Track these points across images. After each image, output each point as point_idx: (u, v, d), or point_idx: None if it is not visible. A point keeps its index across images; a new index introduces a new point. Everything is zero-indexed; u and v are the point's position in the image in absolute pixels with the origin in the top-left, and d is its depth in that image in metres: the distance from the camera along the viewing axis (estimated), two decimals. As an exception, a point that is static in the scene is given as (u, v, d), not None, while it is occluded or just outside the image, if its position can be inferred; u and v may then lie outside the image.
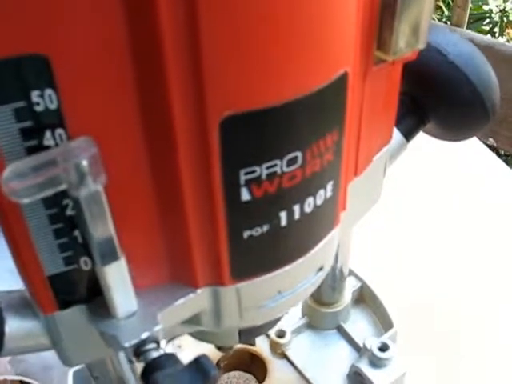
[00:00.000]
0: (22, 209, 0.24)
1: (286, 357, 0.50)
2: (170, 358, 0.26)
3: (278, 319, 0.39)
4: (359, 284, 0.53)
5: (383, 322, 0.50)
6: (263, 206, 0.27)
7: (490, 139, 1.10)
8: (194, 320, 0.32)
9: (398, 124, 0.41)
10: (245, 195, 0.26)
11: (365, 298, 0.53)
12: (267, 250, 0.29)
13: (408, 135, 0.43)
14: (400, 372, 0.46)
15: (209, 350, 0.48)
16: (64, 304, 0.29)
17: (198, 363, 0.26)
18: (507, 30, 1.82)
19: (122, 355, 0.36)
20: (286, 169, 0.26)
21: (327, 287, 0.48)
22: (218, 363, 0.51)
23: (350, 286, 0.51)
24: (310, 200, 0.29)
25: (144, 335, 0.27)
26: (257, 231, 0.28)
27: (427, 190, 0.68)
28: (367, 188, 0.37)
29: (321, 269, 0.34)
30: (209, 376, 0.26)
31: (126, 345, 0.27)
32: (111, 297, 0.27)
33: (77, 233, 0.26)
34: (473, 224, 0.64)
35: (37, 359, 0.61)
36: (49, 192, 0.23)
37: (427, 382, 0.49)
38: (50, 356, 0.58)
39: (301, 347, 0.50)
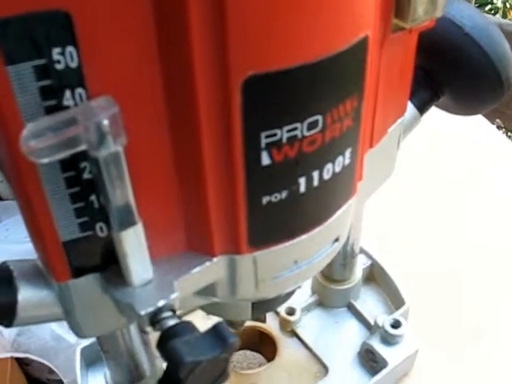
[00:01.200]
0: (39, 171, 0.24)
1: (295, 335, 0.50)
2: (187, 326, 0.26)
3: (291, 294, 0.39)
4: (369, 262, 0.53)
5: (394, 300, 0.50)
6: (283, 171, 0.27)
7: (497, 120, 1.10)
8: (209, 291, 0.32)
9: (411, 97, 0.41)
10: (265, 159, 0.26)
11: (375, 277, 0.53)
12: (285, 218, 0.29)
13: (422, 108, 0.43)
14: (412, 349, 0.47)
15: None
16: (78, 272, 0.29)
17: (217, 330, 0.26)
18: (509, 17, 1.82)
19: (133, 328, 0.37)
20: (306, 133, 0.26)
21: (338, 264, 0.48)
22: None
23: (360, 264, 0.51)
24: (329, 166, 0.29)
25: (160, 303, 0.27)
26: (276, 197, 0.28)
27: (436, 169, 0.68)
28: (382, 161, 0.37)
29: (337, 240, 0.34)
30: (227, 343, 0.26)
31: (142, 313, 0.27)
32: (127, 264, 0.27)
33: (93, 197, 0.26)
34: (482, 201, 0.64)
35: (42, 337, 0.61)
36: (68, 153, 0.23)
37: (438, 360, 0.49)
38: (56, 335, 0.59)
39: (311, 325, 0.51)
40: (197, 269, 0.29)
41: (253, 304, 0.36)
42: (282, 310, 0.50)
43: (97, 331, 0.32)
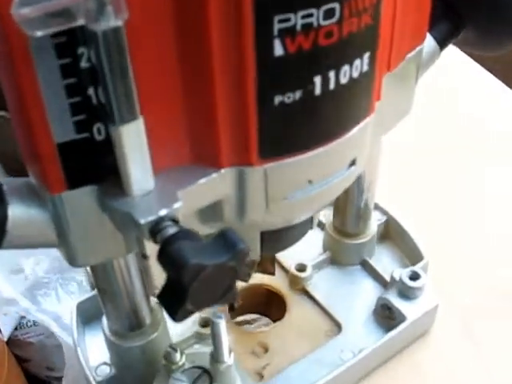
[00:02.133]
0: (33, 54, 0.23)
1: (306, 293, 0.49)
2: (191, 233, 0.25)
3: (302, 232, 0.38)
4: (385, 218, 0.52)
5: (412, 257, 0.49)
6: (297, 66, 0.26)
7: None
8: (216, 213, 0.31)
9: (431, 29, 0.40)
10: (278, 49, 0.25)
11: (391, 233, 0.52)
12: (299, 124, 0.28)
13: (441, 43, 0.42)
14: (432, 304, 0.45)
15: None
16: (73, 182, 0.28)
17: (225, 236, 0.25)
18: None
19: (132, 265, 0.35)
20: (322, 22, 0.25)
21: (351, 216, 0.48)
22: (232, 303, 0.50)
23: (375, 219, 0.50)
24: (346, 68, 0.28)
25: (162, 212, 0.26)
26: (289, 97, 0.27)
27: (453, 123, 0.67)
28: (399, 90, 0.36)
29: (353, 163, 0.33)
30: (236, 249, 0.25)
31: (142, 221, 0.26)
32: (126, 167, 0.26)
33: (91, 92, 0.25)
34: (503, 153, 0.63)
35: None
36: (64, 26, 0.22)
37: (460, 318, 0.48)
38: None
39: (322, 283, 0.49)
40: (202, 180, 0.28)
41: (262, 238, 0.35)
42: (291, 266, 0.48)
43: (92, 259, 0.31)
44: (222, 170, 0.29)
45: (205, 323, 0.44)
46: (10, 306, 0.58)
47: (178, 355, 0.37)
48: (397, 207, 0.52)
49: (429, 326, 0.47)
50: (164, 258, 0.24)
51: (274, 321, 0.49)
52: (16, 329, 0.63)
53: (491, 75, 0.74)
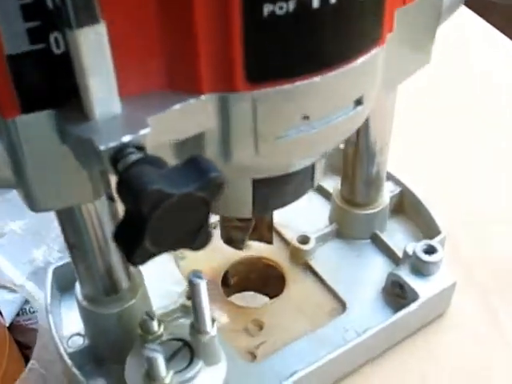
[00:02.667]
0: None
1: (308, 268, 0.46)
2: (158, 160, 0.22)
3: (301, 191, 0.34)
4: (398, 189, 0.48)
5: (427, 232, 0.45)
6: (290, -35, 0.23)
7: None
8: (196, 151, 0.27)
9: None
10: None
11: (405, 206, 0.49)
12: (292, 43, 0.24)
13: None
14: (449, 281, 0.42)
15: (216, 261, 0.45)
16: (28, 104, 0.24)
17: (195, 163, 0.22)
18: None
19: (104, 210, 0.32)
20: None
21: (361, 183, 0.44)
22: (227, 279, 0.47)
23: (388, 191, 0.46)
24: (351, -21, 0.24)
25: (126, 138, 0.23)
26: (281, 8, 0.23)
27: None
28: (417, 34, 0.33)
29: (359, 102, 0.29)
30: (207, 177, 0.21)
31: (102, 147, 0.23)
32: (86, 84, 0.23)
33: (46, -10, 0.22)
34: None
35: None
36: None
37: (478, 300, 0.44)
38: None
39: (327, 257, 0.45)
40: (177, 106, 0.25)
41: (254, 191, 0.31)
42: (293, 238, 0.45)
43: (54, 203, 0.28)
44: (202, 97, 0.25)
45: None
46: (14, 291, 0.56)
47: (155, 324, 0.34)
48: (410, 177, 0.49)
49: (444, 308, 0.44)
50: (121, 185, 0.21)
51: (272, 298, 0.45)
52: (18, 315, 0.61)
53: (503, 35, 0.72)
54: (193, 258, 0.46)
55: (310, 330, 0.41)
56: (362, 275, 0.44)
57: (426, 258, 0.41)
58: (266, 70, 0.25)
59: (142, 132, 0.23)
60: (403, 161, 0.49)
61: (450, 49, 0.61)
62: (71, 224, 0.32)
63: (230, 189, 0.31)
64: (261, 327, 0.42)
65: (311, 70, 0.26)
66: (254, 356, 0.40)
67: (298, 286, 0.44)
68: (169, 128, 0.25)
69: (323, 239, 0.46)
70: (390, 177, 0.48)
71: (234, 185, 0.32)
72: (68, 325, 0.41)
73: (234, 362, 0.38)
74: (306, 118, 0.27)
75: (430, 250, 0.41)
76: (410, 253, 0.41)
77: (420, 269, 0.41)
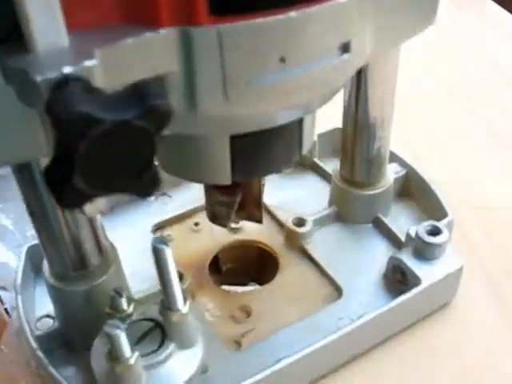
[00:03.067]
0: None
1: (304, 252, 0.43)
2: (95, 89, 0.19)
3: (286, 157, 0.31)
4: (404, 171, 0.45)
5: (434, 215, 0.42)
6: None
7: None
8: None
9: None
10: None
11: (410, 190, 0.46)
12: (262, -33, 0.22)
13: None
14: (454, 266, 0.39)
15: (205, 244, 0.43)
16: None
17: (137, 88, 0.19)
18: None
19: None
20: None
21: (361, 159, 0.41)
22: (217, 266, 0.44)
23: (392, 173, 0.43)
24: None
25: (67, 69, 0.20)
26: None
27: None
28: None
29: (346, 48, 0.26)
30: (148, 103, 0.18)
31: (38, 79, 0.20)
32: (26, 12, 0.21)
33: None
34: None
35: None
36: None
37: (487, 289, 0.41)
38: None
39: (324, 241, 0.43)
40: (130, 39, 0.22)
41: (232, 153, 0.28)
42: (288, 220, 0.42)
43: (5, 156, 0.25)
44: (161, 31, 0.22)
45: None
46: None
47: (123, 302, 0.31)
48: (417, 160, 0.46)
49: (450, 297, 0.41)
50: (47, 111, 0.18)
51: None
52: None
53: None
54: (179, 240, 0.44)
55: (301, 317, 0.38)
56: (361, 261, 0.42)
57: (429, 239, 0.38)
58: (232, 0, 0.22)
59: (87, 63, 0.21)
60: (409, 142, 0.46)
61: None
62: (28, 185, 0.29)
63: (204, 148, 0.29)
64: (248, 314, 0.39)
65: (286, 4, 0.23)
66: (239, 345, 0.37)
67: (291, 271, 0.42)
68: (121, 65, 0.23)
69: (321, 222, 0.44)
70: (395, 158, 0.46)
71: (208, 143, 0.29)
72: (40, 307, 0.38)
73: (215, 349, 0.36)
74: (283, 60, 0.24)
75: (435, 232, 0.38)
76: (413, 235, 0.38)
77: (423, 252, 0.38)
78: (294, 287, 0.40)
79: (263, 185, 0.37)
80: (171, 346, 0.31)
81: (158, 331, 0.32)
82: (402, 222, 0.44)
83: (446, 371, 0.37)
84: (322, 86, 0.27)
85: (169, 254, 0.28)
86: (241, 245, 0.44)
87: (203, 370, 0.33)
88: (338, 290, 0.40)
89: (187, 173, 0.31)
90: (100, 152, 0.18)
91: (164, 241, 0.28)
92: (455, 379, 0.36)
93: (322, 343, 0.35)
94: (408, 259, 0.38)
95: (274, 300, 0.40)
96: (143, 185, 0.20)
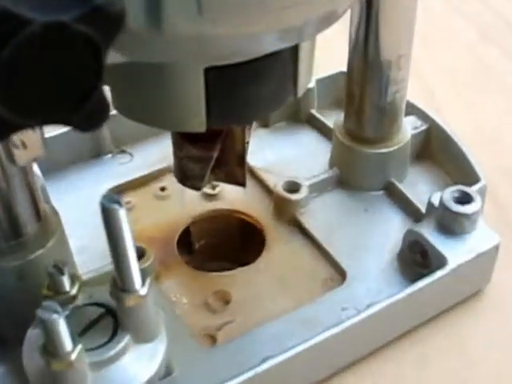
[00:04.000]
0: None
1: (297, 225, 0.41)
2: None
3: (279, 97, 0.29)
4: (425, 126, 0.44)
5: (462, 181, 0.40)
6: None
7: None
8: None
9: None
10: None
11: (432, 149, 0.44)
12: None
13: None
14: (490, 242, 0.37)
15: (174, 215, 0.41)
16: None
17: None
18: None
19: None
20: None
21: (371, 108, 0.39)
22: (189, 241, 0.42)
23: (410, 128, 0.42)
24: None
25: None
26: None
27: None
28: None
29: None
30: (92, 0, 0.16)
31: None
32: None
33: None
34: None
35: None
36: None
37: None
38: None
39: (323, 212, 0.41)
40: None
41: (207, 90, 0.26)
42: (278, 185, 0.41)
43: None
44: None
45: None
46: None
47: (65, 280, 0.29)
48: (438, 111, 0.46)
49: (482, 283, 0.39)
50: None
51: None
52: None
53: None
54: (141, 209, 0.42)
55: (294, 307, 0.36)
56: (369, 237, 0.40)
57: (458, 208, 0.36)
58: None
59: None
60: (432, 91, 0.45)
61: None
62: None
63: (172, 84, 0.26)
64: (226, 302, 0.37)
65: None
66: (214, 340, 0.36)
67: (281, 248, 0.40)
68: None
69: (319, 188, 0.42)
70: (414, 109, 0.44)
71: (176, 77, 0.26)
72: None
73: (183, 345, 0.34)
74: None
75: (464, 199, 0.36)
76: (437, 204, 0.37)
77: (449, 225, 0.36)
78: (284, 269, 0.38)
79: (247, 143, 0.34)
80: (125, 339, 0.29)
81: (110, 320, 0.30)
82: (422, 188, 0.42)
83: (478, 377, 0.35)
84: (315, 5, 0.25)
85: (123, 216, 0.25)
86: (218, 216, 0.42)
87: (167, 371, 0.31)
88: (340, 274, 0.38)
89: (150, 116, 0.29)
90: (27, 65, 0.16)
91: (117, 199, 0.25)
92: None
93: (321, 339, 0.32)
94: (430, 234, 0.36)
95: (258, 285, 0.38)
96: (85, 113, 0.17)
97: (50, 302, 0.26)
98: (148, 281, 0.28)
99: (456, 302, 0.38)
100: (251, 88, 0.28)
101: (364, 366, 0.35)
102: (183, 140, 0.33)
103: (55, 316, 0.25)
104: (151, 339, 0.30)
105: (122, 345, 0.29)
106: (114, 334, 0.29)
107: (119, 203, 0.25)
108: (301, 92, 0.30)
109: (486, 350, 0.36)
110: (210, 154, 0.34)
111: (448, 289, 0.36)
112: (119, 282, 0.28)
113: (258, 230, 0.41)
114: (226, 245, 0.43)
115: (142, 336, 0.29)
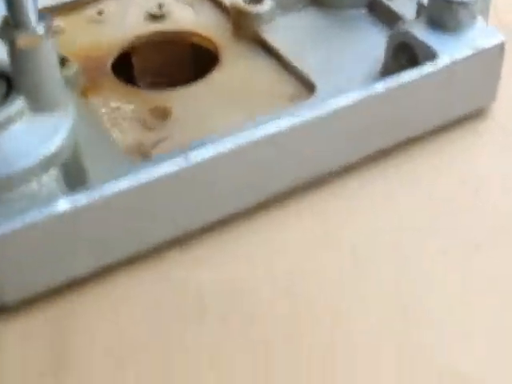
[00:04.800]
0: None
1: (260, 42, 0.38)
2: None
3: None
4: None
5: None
6: None
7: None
8: None
9: None
10: None
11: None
12: None
13: None
14: (492, 40, 0.34)
15: (109, 35, 0.39)
16: None
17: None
18: None
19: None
20: None
21: None
22: (129, 71, 0.40)
23: None
24: None
25: None
26: None
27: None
28: None
29: None
30: None
31: None
32: None
33: None
34: None
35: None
36: None
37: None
38: None
39: (293, 31, 0.39)
40: None
41: None
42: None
43: None
44: None
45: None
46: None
47: None
48: None
49: (486, 98, 0.36)
50: None
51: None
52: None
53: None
54: (72, 34, 0.39)
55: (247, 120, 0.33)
56: (347, 53, 0.38)
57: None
58: None
59: None
60: None
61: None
62: None
63: None
64: (165, 117, 0.35)
65: None
66: (147, 158, 0.32)
67: (238, 64, 0.38)
68: None
69: (288, 5, 0.40)
70: None
71: None
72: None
73: (109, 160, 0.31)
74: None
75: None
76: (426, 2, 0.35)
77: (443, 20, 0.34)
78: (239, 84, 0.36)
79: None
80: (17, 102, 0.27)
81: (1, 83, 0.28)
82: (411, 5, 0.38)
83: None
84: None
85: None
86: (165, 39, 0.40)
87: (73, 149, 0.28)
88: (307, 87, 0.36)
89: None
90: None
91: None
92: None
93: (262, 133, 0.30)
94: (419, 31, 0.34)
95: (206, 101, 0.35)
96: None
97: None
98: (47, 21, 0.26)
99: (455, 117, 0.36)
100: None
101: (332, 184, 0.33)
102: None
103: None
104: (51, 109, 0.27)
105: (13, 109, 0.26)
106: (4, 97, 0.27)
107: None
108: None
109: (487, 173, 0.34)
110: None
111: (443, 95, 0.34)
112: (11, 17, 0.26)
113: (213, 53, 0.39)
114: (173, 73, 0.40)
115: (40, 103, 0.27)
